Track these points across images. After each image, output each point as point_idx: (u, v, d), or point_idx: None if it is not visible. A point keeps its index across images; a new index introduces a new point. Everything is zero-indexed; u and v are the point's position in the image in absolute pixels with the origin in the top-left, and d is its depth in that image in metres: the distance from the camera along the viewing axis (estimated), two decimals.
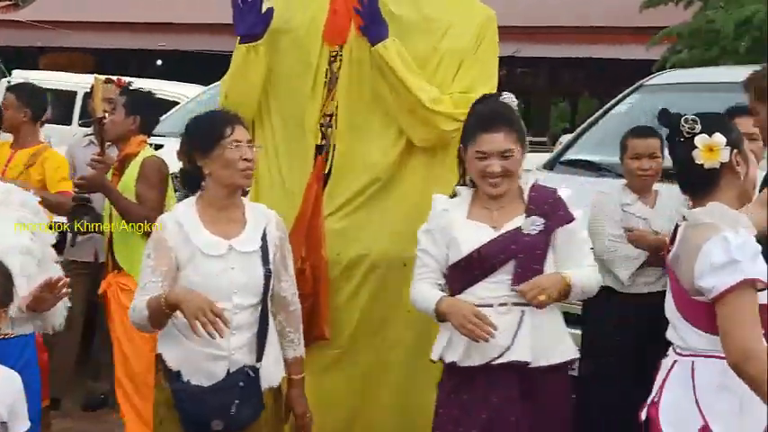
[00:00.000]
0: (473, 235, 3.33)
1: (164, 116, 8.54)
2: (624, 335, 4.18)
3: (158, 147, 6.09)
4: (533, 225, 3.32)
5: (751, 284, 2.72)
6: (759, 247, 2.78)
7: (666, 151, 4.35)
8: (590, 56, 16.88)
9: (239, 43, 4.03)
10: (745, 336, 2.68)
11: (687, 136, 2.88)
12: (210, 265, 3.16)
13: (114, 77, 5.87)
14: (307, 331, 3.81)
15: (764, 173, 3.88)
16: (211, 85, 9.25)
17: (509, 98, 3.48)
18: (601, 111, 6.56)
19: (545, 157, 6.38)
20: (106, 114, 5.04)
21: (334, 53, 4.01)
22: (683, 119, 2.89)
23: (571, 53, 17.20)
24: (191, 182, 3.32)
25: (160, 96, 9.69)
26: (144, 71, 15.88)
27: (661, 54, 12.47)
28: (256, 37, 3.99)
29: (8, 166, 5.51)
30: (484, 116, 3.41)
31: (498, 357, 3.24)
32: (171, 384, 3.18)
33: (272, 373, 3.29)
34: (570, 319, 4.71)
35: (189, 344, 3.16)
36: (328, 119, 4.00)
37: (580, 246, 3.40)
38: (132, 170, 4.72)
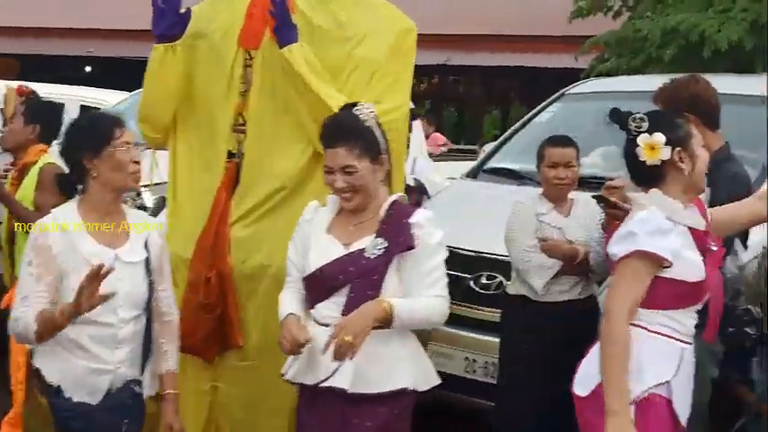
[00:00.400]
0: (323, 251, 3.25)
1: None
2: (533, 343, 4.16)
3: None
4: (375, 248, 3.20)
5: (644, 256, 2.94)
6: (665, 226, 2.96)
7: (582, 160, 4.45)
8: (522, 64, 17.02)
9: (156, 43, 3.98)
10: (615, 298, 2.97)
11: (634, 134, 3.06)
12: None
13: (26, 84, 5.71)
14: (219, 340, 3.76)
15: None
16: (134, 92, 9.11)
17: (364, 110, 3.32)
18: (524, 119, 6.58)
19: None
20: None
21: (249, 58, 3.96)
22: (630, 117, 3.08)
23: (503, 62, 17.32)
24: (68, 186, 3.21)
25: (84, 103, 9.60)
26: (72, 77, 15.61)
27: (589, 63, 12.59)
28: (174, 37, 3.95)
29: None
30: (327, 131, 3.30)
31: (324, 380, 3.17)
32: (52, 401, 3.07)
33: (150, 384, 3.24)
34: (489, 327, 4.76)
35: (71, 358, 3.07)
36: (242, 125, 3.95)
37: (426, 274, 3.19)
38: (31, 178, 4.60)
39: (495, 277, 4.84)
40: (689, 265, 2.98)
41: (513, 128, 6.61)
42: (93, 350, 3.06)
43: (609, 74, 11.08)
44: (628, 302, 2.94)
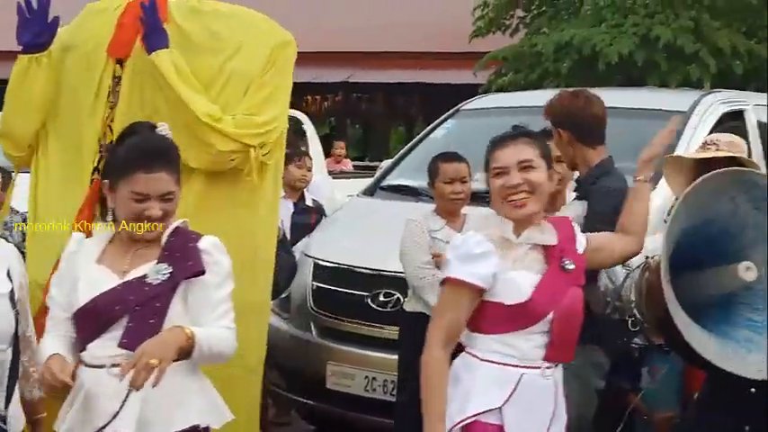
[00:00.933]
0: (94, 283, 2.94)
1: None
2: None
3: None
4: (159, 273, 2.91)
5: (457, 283, 2.88)
6: (477, 250, 2.87)
7: (476, 175, 4.48)
8: (423, 81, 17.14)
9: (21, 53, 3.80)
10: (431, 326, 2.94)
11: None
12: None
13: None
14: None
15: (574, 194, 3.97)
16: None
17: (166, 129, 3.07)
18: (419, 136, 6.62)
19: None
20: None
21: (119, 68, 3.81)
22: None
23: (405, 78, 17.43)
24: None
25: None
26: None
27: (487, 78, 12.75)
28: (43, 46, 3.78)
29: None
30: (145, 153, 2.92)
31: (104, 427, 2.82)
32: None
33: (17, 418, 3.08)
34: (388, 345, 4.75)
35: None
36: (111, 139, 3.76)
37: (216, 304, 2.91)
38: None
39: (393, 294, 4.84)
40: (509, 287, 2.88)
41: (409, 144, 6.64)
42: None
43: (507, 88, 11.24)
44: (442, 329, 2.88)
